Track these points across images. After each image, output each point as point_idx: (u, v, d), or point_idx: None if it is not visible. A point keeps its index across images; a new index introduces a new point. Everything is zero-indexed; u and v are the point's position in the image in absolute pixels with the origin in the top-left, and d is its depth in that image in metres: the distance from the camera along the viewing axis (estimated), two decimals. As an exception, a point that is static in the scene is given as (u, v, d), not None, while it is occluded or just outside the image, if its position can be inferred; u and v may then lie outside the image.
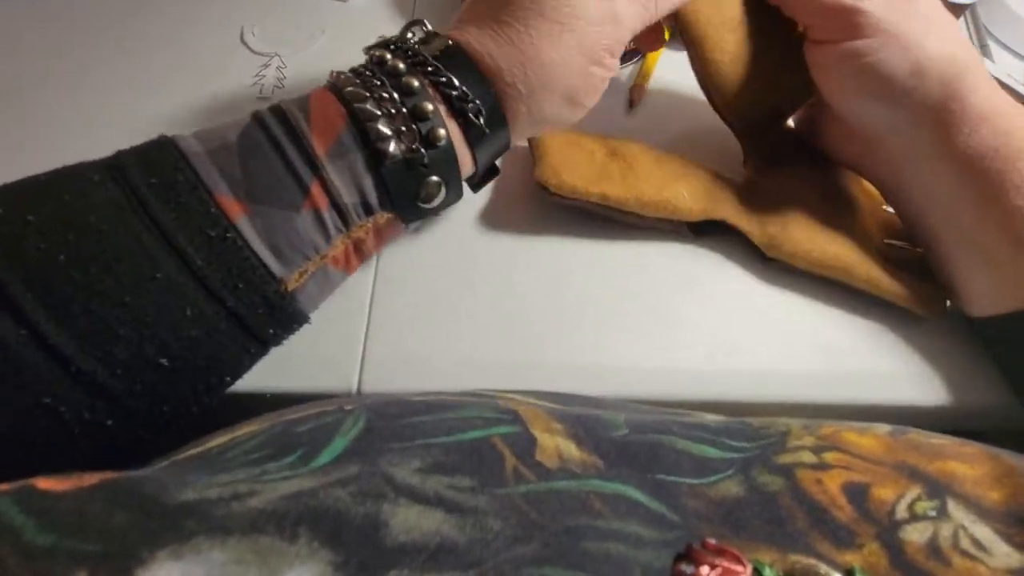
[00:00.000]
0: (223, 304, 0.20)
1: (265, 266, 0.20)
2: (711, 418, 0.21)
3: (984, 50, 0.47)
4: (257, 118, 0.21)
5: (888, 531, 0.14)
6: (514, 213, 0.32)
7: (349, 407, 0.17)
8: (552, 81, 0.22)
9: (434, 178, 0.22)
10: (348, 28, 0.40)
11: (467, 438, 0.16)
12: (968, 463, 0.16)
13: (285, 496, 0.13)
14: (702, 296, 0.30)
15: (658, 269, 0.31)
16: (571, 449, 0.16)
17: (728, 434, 0.18)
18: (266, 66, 0.37)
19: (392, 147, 0.21)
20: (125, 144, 0.21)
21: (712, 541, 0.14)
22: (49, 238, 0.18)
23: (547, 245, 0.31)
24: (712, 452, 0.17)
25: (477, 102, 0.22)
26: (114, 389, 0.19)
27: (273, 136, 0.20)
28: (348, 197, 0.21)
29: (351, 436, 0.15)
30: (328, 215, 0.21)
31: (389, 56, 0.22)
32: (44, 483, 0.12)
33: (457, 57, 0.22)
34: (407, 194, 0.22)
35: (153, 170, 0.19)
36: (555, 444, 0.16)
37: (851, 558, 0.14)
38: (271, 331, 0.22)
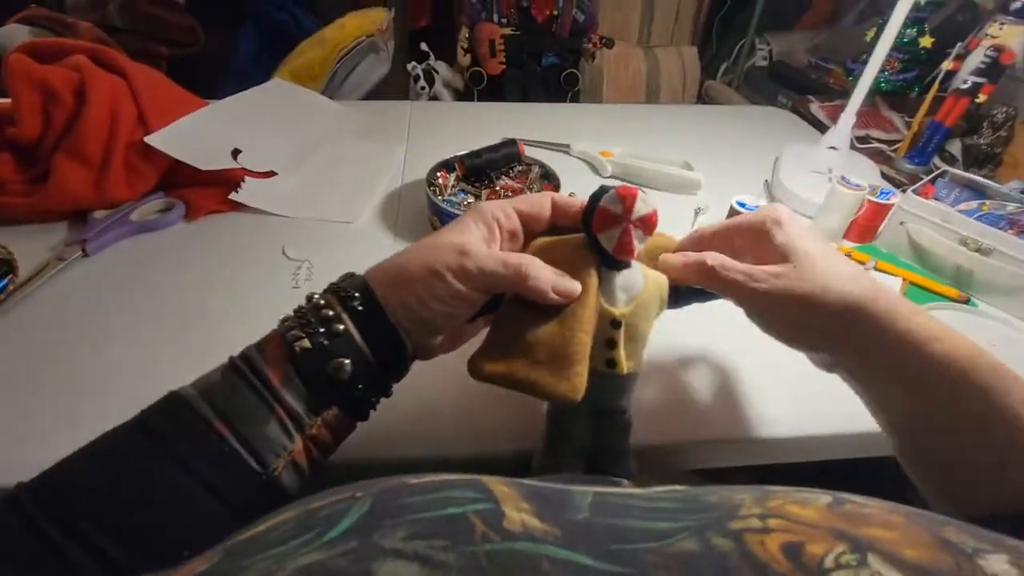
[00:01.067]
0: (228, 503, 0.27)
1: (252, 468, 0.28)
2: (675, 489, 0.23)
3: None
4: (233, 364, 0.29)
5: None
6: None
7: (359, 494, 0.20)
8: (403, 283, 0.30)
9: (342, 360, 0.29)
10: (353, 241, 0.60)
11: (446, 513, 0.19)
12: (892, 529, 0.18)
13: (299, 568, 0.16)
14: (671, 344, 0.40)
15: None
16: (534, 522, 0.19)
17: (685, 512, 0.20)
18: (299, 268, 0.56)
19: (305, 343, 0.29)
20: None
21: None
22: (98, 481, 0.26)
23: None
24: (667, 526, 0.19)
25: (354, 292, 0.30)
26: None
27: (245, 376, 0.29)
28: (298, 406, 0.29)
29: (356, 516, 0.19)
30: (289, 423, 0.29)
31: (316, 295, 0.31)
32: None
33: (352, 276, 0.32)
34: (317, 373, 0.29)
35: (167, 417, 0.28)
36: (520, 518, 0.19)
37: None
38: (259, 511, 0.27)
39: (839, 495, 0.21)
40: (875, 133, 0.92)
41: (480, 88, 1.25)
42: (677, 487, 0.23)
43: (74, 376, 0.43)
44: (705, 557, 0.17)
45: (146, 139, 0.60)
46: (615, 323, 0.32)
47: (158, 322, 0.49)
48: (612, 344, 0.32)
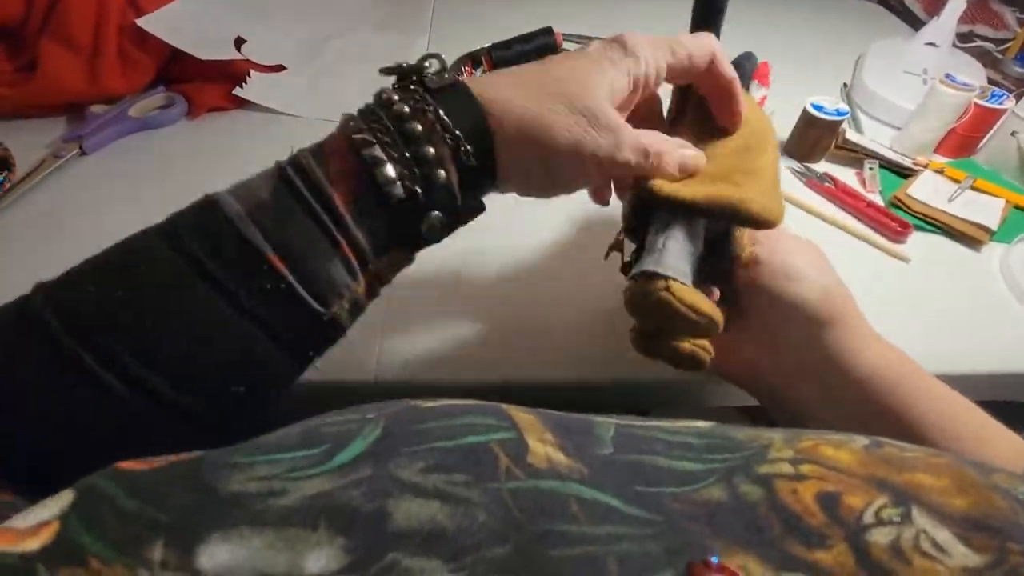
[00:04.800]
0: (284, 344, 0.23)
1: (314, 310, 0.23)
2: (699, 426, 0.21)
3: (856, 122, 0.60)
4: (284, 176, 0.23)
5: (855, 534, 0.15)
6: (513, 222, 0.43)
7: (370, 415, 0.18)
8: (540, 155, 0.25)
9: (435, 213, 0.24)
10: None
11: (467, 442, 0.17)
12: (935, 474, 0.17)
13: (309, 496, 0.15)
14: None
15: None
16: (559, 456, 0.17)
17: (710, 449, 0.19)
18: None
19: (397, 189, 0.23)
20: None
21: (714, 561, 0.14)
22: (139, 311, 0.21)
23: (542, 248, 0.42)
24: (693, 466, 0.18)
25: (469, 147, 0.23)
26: (200, 415, 0.22)
27: (302, 197, 0.22)
28: (366, 243, 0.24)
29: (370, 440, 0.17)
30: (354, 259, 0.24)
31: (397, 98, 0.23)
32: (124, 465, 0.15)
33: (461, 97, 0.24)
34: (411, 231, 0.24)
35: (210, 241, 0.22)
36: (545, 451, 0.18)
37: (821, 556, 0.14)
38: (318, 354, 0.25)
39: (876, 438, 0.20)
40: (981, 30, 0.78)
41: (514, -22, 1.10)
42: (701, 423, 0.22)
43: (73, 281, 0.41)
44: (733, 508, 0.16)
45: (138, 21, 0.53)
46: None
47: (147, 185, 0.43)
48: None
